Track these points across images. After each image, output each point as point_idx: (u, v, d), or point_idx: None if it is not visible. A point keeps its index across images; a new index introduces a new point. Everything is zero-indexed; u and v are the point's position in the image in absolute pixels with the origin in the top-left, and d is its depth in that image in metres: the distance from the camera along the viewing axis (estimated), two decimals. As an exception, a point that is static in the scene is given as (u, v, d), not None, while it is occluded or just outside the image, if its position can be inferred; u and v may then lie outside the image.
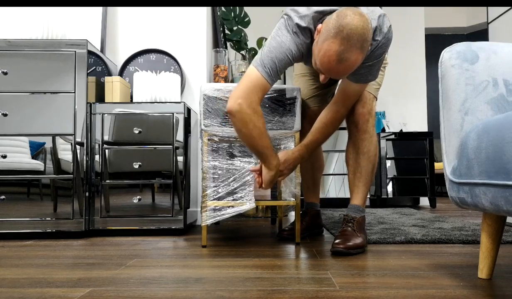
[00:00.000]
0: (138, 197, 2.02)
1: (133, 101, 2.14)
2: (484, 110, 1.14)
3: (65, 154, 1.97)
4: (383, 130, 3.90)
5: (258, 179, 1.59)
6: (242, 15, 3.03)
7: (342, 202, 3.65)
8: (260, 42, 2.82)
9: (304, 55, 1.50)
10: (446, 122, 1.19)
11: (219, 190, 1.67)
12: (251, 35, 3.06)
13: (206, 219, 1.64)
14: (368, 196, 3.40)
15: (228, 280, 1.16)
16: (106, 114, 2.04)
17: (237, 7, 3.01)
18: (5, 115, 1.96)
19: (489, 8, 3.55)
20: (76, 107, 1.98)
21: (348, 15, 1.27)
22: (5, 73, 1.97)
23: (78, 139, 1.98)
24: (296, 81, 1.93)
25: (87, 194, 1.99)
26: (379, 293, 1.03)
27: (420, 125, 4.16)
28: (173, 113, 2.04)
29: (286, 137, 1.74)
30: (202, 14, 2.50)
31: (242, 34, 3.02)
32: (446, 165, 1.18)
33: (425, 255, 1.51)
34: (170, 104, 2.06)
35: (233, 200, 1.67)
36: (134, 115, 2.04)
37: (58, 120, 1.97)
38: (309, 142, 1.62)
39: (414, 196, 3.88)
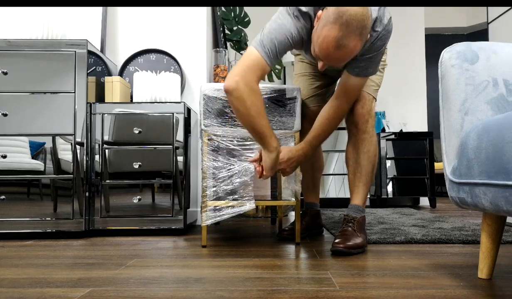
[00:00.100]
0: (138, 197, 2.02)
1: (133, 101, 2.14)
2: (484, 110, 1.14)
3: (65, 154, 1.97)
4: (383, 130, 3.91)
5: (259, 169, 1.55)
6: (242, 15, 3.04)
7: (342, 202, 3.66)
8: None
9: (304, 40, 1.48)
10: (446, 122, 1.19)
11: (219, 190, 1.67)
12: (251, 35, 3.06)
13: (206, 219, 1.64)
14: (368, 196, 3.40)
15: (228, 280, 1.16)
16: (106, 114, 2.04)
17: (237, 7, 3.01)
18: (5, 115, 1.96)
19: (489, 8, 3.55)
20: (76, 107, 1.98)
21: None
22: (5, 73, 1.97)
23: (78, 139, 1.98)
24: (296, 81, 1.93)
25: (87, 194, 1.99)
26: (379, 293, 1.03)
27: (420, 125, 4.16)
28: (173, 113, 2.04)
29: (286, 137, 1.73)
30: (202, 14, 2.50)
31: (242, 34, 3.03)
32: (446, 165, 1.18)
33: (425, 255, 1.51)
34: (170, 104, 2.06)
35: (233, 200, 1.66)
36: (134, 115, 2.04)
37: (58, 120, 1.97)
38: (312, 139, 1.61)
39: (414, 196, 3.88)
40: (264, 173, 1.54)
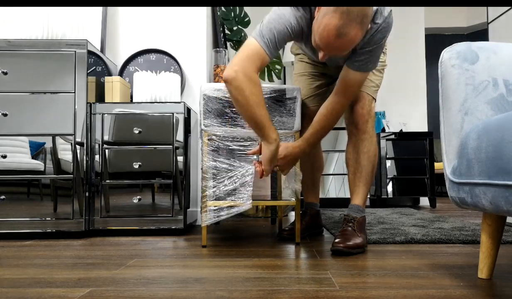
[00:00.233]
0: (138, 197, 2.02)
1: (133, 101, 2.14)
2: (484, 110, 1.14)
3: (65, 154, 1.97)
4: (383, 130, 3.91)
5: (259, 168, 1.54)
6: (242, 15, 3.04)
7: (342, 202, 3.66)
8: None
9: (304, 31, 1.47)
10: (446, 122, 1.19)
11: (219, 190, 1.67)
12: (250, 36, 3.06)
13: (206, 219, 1.64)
14: (368, 196, 3.40)
15: (228, 280, 1.16)
16: (106, 114, 2.04)
17: (237, 7, 3.01)
18: (5, 115, 1.96)
19: (489, 8, 3.55)
20: (76, 107, 1.98)
21: None
22: (5, 73, 1.97)
23: (78, 139, 1.98)
24: (295, 81, 1.93)
25: (87, 194, 1.99)
26: (379, 293, 1.03)
27: (420, 125, 4.16)
28: (173, 113, 2.04)
29: (286, 137, 1.73)
30: (202, 14, 2.50)
31: (242, 34, 3.03)
32: (446, 165, 1.18)
33: (425, 255, 1.51)
34: (170, 104, 2.06)
35: (233, 200, 1.66)
36: (134, 115, 2.04)
37: (58, 120, 1.97)
38: (309, 135, 1.60)
39: (414, 196, 3.88)
40: (262, 166, 1.52)
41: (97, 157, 2.03)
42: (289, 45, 1.81)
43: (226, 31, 3.01)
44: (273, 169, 1.56)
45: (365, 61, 1.48)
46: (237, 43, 2.99)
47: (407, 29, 4.16)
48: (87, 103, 1.99)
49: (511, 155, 0.89)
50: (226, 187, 1.67)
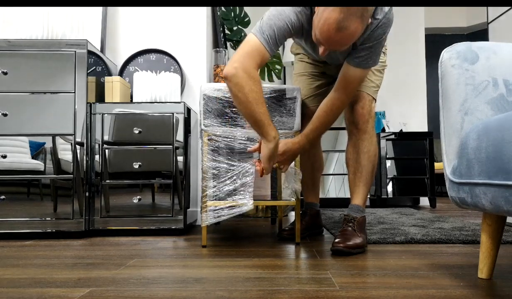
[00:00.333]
0: (138, 197, 2.02)
1: (133, 101, 2.14)
2: (484, 110, 1.14)
3: (65, 154, 1.97)
4: (383, 130, 3.91)
5: (259, 168, 1.54)
6: (242, 15, 3.04)
7: (342, 202, 3.65)
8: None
9: (304, 27, 1.47)
10: (446, 122, 1.19)
11: (219, 190, 1.67)
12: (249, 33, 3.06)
13: (206, 219, 1.64)
14: (368, 196, 3.40)
15: (228, 280, 1.16)
16: (106, 114, 2.04)
17: (237, 7, 3.02)
18: (5, 115, 1.96)
19: (489, 8, 3.55)
20: (76, 107, 1.98)
21: None
22: (5, 73, 1.97)
23: (78, 139, 1.98)
24: (295, 81, 1.93)
25: (87, 194, 1.99)
26: (379, 293, 1.03)
27: (420, 125, 4.16)
28: (173, 113, 2.04)
29: (286, 137, 1.73)
30: (202, 14, 2.50)
31: (242, 34, 3.03)
32: (446, 165, 1.18)
33: (425, 255, 1.51)
34: (170, 104, 2.06)
35: (233, 200, 1.66)
36: (134, 115, 2.04)
37: (58, 120, 1.97)
38: (309, 131, 1.60)
39: (414, 196, 3.88)
40: (262, 164, 1.52)
41: (97, 157, 2.03)
42: (289, 45, 1.81)
43: (226, 31, 3.01)
44: (273, 166, 1.56)
45: (365, 57, 1.48)
46: (237, 43, 3.00)
47: (407, 29, 4.15)
48: (87, 103, 1.99)
49: (511, 155, 0.89)
50: (226, 187, 1.67)
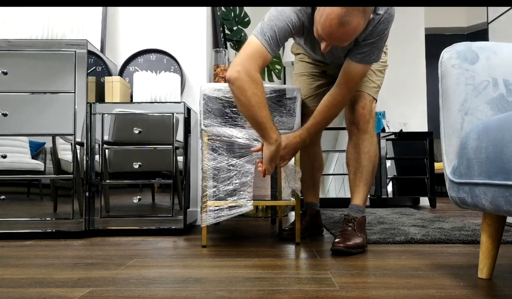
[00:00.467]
0: (138, 197, 2.02)
1: (133, 101, 2.14)
2: (484, 110, 1.14)
3: (65, 154, 1.97)
4: (383, 130, 3.91)
5: (261, 169, 1.54)
6: (242, 15, 3.04)
7: (342, 202, 3.65)
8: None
9: (305, 26, 1.47)
10: (446, 122, 1.19)
11: (219, 190, 1.67)
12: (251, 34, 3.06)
13: (206, 219, 1.64)
14: (368, 196, 3.40)
15: (228, 280, 1.16)
16: (106, 114, 2.04)
17: (237, 7, 3.01)
18: (5, 115, 1.96)
19: (489, 8, 3.55)
20: (76, 107, 1.98)
21: None
22: (5, 73, 1.97)
23: (78, 139, 1.98)
24: (295, 81, 1.93)
25: (87, 194, 1.99)
26: (379, 293, 1.03)
27: (420, 125, 4.16)
28: (173, 113, 2.04)
29: (286, 137, 1.73)
30: (202, 14, 2.50)
31: (242, 34, 3.03)
32: (446, 165, 1.18)
33: (425, 255, 1.51)
34: (170, 104, 2.06)
35: (233, 200, 1.66)
36: (134, 115, 2.04)
37: (58, 120, 1.97)
38: (310, 126, 1.60)
39: (414, 196, 3.88)
40: (263, 166, 1.53)
41: (97, 157, 2.03)
42: (289, 45, 1.81)
43: (226, 31, 3.01)
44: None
45: (367, 53, 1.48)
46: (237, 43, 3.00)
47: (407, 29, 4.15)
48: (87, 103, 1.99)
49: (511, 155, 0.89)
50: (226, 187, 1.67)
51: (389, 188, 3.80)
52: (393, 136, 3.83)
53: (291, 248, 1.65)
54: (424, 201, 4.11)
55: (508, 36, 3.26)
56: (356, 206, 1.67)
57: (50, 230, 1.95)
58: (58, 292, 1.06)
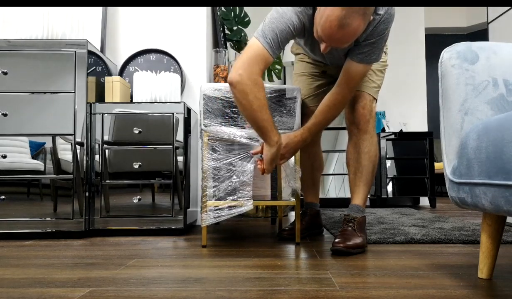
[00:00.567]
0: (138, 197, 2.02)
1: (133, 101, 2.14)
2: (484, 110, 1.14)
3: (65, 154, 1.97)
4: (383, 130, 3.91)
5: (260, 167, 1.55)
6: (242, 15, 3.04)
7: (342, 202, 3.66)
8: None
9: (306, 27, 1.47)
10: (446, 122, 1.19)
11: (219, 190, 1.67)
12: (251, 35, 3.06)
13: (206, 219, 1.64)
14: (368, 196, 3.40)
15: (228, 280, 1.16)
16: (106, 114, 2.04)
17: (237, 7, 3.01)
18: (5, 115, 1.96)
19: (489, 8, 3.55)
20: (76, 107, 1.98)
21: None
22: (5, 73, 1.97)
23: (78, 139, 1.98)
24: (295, 81, 1.93)
25: (87, 194, 1.99)
26: (379, 293, 1.03)
27: (420, 125, 4.16)
28: (173, 113, 2.04)
29: (286, 137, 1.73)
30: (202, 14, 2.50)
31: (242, 34, 3.03)
32: (446, 165, 1.18)
33: (425, 255, 1.51)
34: (170, 104, 2.06)
35: (233, 200, 1.66)
36: (134, 115, 2.04)
37: (58, 120, 1.97)
38: (311, 125, 1.60)
39: (414, 196, 3.88)
40: (264, 166, 1.54)
41: (97, 157, 2.03)
42: (289, 45, 1.81)
43: (226, 31, 3.01)
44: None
45: (368, 53, 1.48)
46: (237, 43, 2.99)
47: (407, 29, 4.16)
48: (87, 103, 1.99)
49: (511, 155, 0.89)
50: (226, 187, 1.67)
51: (389, 188, 3.80)
52: (393, 136, 3.83)
53: (291, 248, 1.65)
54: (424, 201, 4.11)
55: (508, 36, 3.26)
56: (356, 206, 1.67)
57: (50, 230, 1.95)
58: (58, 292, 1.06)
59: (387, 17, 1.42)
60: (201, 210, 1.68)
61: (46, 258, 1.50)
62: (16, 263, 1.41)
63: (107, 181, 2.03)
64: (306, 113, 1.84)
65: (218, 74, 2.37)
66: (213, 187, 1.67)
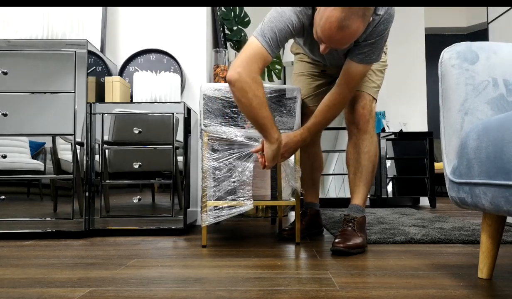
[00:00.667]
0: (138, 197, 2.02)
1: (133, 101, 2.14)
2: (484, 110, 1.14)
3: (65, 154, 1.97)
4: (383, 130, 3.91)
5: (261, 160, 1.55)
6: (242, 15, 3.04)
7: (342, 202, 3.66)
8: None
9: (305, 27, 1.47)
10: (446, 122, 1.19)
11: (219, 190, 1.67)
12: (251, 35, 3.06)
13: (206, 219, 1.64)
14: (368, 196, 3.40)
15: (228, 280, 1.16)
16: (106, 114, 2.04)
17: (237, 7, 3.01)
18: (5, 115, 1.96)
19: (489, 8, 3.55)
20: (76, 107, 1.98)
21: None
22: (5, 73, 1.97)
23: (78, 139, 1.98)
24: (295, 81, 1.93)
25: (87, 194, 1.99)
26: (379, 293, 1.03)
27: (420, 125, 4.16)
28: (173, 113, 2.05)
29: (286, 137, 1.73)
30: (202, 14, 2.50)
31: (242, 34, 3.03)
32: (446, 165, 1.18)
33: (425, 255, 1.51)
34: (170, 104, 2.06)
35: (233, 200, 1.66)
36: (134, 115, 2.04)
37: (58, 120, 1.97)
38: (311, 125, 1.61)
39: (414, 196, 3.88)
40: (266, 164, 1.54)
41: (97, 157, 2.03)
42: (289, 45, 1.81)
43: (226, 31, 3.01)
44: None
45: (368, 53, 1.48)
46: (237, 43, 2.99)
47: (407, 29, 4.15)
48: (87, 103, 1.99)
49: (511, 155, 0.89)
50: (226, 187, 1.67)
51: (389, 188, 3.80)
52: (393, 136, 3.83)
53: (291, 248, 1.65)
54: (424, 201, 4.11)
55: (508, 36, 3.26)
56: (356, 206, 1.67)
57: (50, 230, 1.95)
58: (58, 292, 1.06)
59: (387, 17, 1.42)
60: (201, 210, 1.68)
61: (46, 258, 1.50)
62: (16, 263, 1.41)
63: (107, 181, 2.03)
64: (306, 113, 1.84)
65: (218, 74, 2.37)
66: (213, 187, 1.67)
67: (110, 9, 2.49)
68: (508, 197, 0.90)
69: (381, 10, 1.40)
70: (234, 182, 1.67)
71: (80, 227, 1.95)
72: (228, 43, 3.01)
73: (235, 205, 1.65)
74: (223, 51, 2.40)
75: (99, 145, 2.03)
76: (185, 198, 2.06)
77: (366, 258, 1.47)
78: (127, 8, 2.51)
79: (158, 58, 2.43)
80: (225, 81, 2.37)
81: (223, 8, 2.97)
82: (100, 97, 2.17)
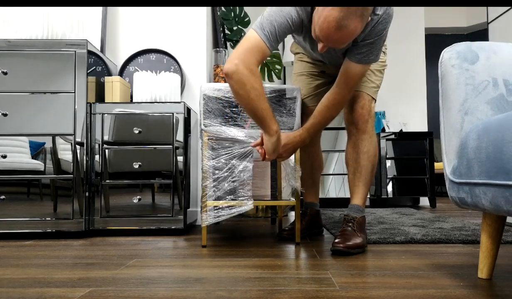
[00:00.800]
0: (138, 197, 2.02)
1: (133, 101, 2.14)
2: (484, 110, 1.14)
3: (65, 154, 1.97)
4: (383, 130, 3.91)
5: (261, 151, 1.54)
6: (242, 15, 3.04)
7: (342, 202, 3.65)
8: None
9: (304, 23, 1.47)
10: (446, 122, 1.19)
11: (219, 190, 1.67)
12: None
13: (206, 219, 1.64)
14: (368, 196, 3.40)
15: (228, 280, 1.16)
16: (106, 114, 2.04)
17: (237, 7, 3.01)
18: (5, 115, 1.96)
19: (489, 8, 3.55)
20: (76, 107, 1.98)
21: None
22: (5, 73, 1.97)
23: (78, 139, 1.98)
24: (295, 81, 1.93)
25: (87, 194, 1.99)
26: (379, 293, 1.03)
27: (420, 125, 4.16)
28: (173, 113, 2.05)
29: (286, 137, 1.73)
30: (202, 14, 2.50)
31: (242, 34, 3.03)
32: (446, 165, 1.18)
33: (425, 255, 1.51)
34: (170, 104, 2.06)
35: (233, 200, 1.66)
36: (134, 115, 2.04)
37: (58, 120, 1.97)
38: (310, 126, 1.60)
39: (414, 196, 3.88)
40: (266, 156, 1.53)
41: (97, 157, 2.03)
42: (289, 44, 1.81)
43: (226, 31, 3.01)
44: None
45: (366, 53, 1.48)
46: (237, 43, 2.99)
47: (407, 29, 4.15)
48: (87, 103, 1.99)
49: (511, 155, 0.89)
50: (226, 187, 1.67)
51: (389, 188, 3.80)
52: (393, 136, 3.83)
53: (291, 248, 1.65)
54: (424, 201, 4.11)
55: (508, 36, 3.26)
56: (355, 206, 1.67)
57: (50, 230, 1.95)
58: (58, 292, 1.06)
59: (385, 17, 1.42)
60: (201, 210, 1.68)
61: (46, 258, 1.50)
62: (16, 263, 1.41)
63: (107, 181, 2.03)
64: (305, 113, 1.84)
65: (218, 74, 2.37)
66: (213, 187, 1.67)
67: (110, 9, 2.49)
68: (508, 197, 0.90)
69: (380, 10, 1.40)
70: (234, 182, 1.67)
71: (80, 227, 1.95)
72: (228, 43, 3.01)
73: (235, 205, 1.65)
74: (223, 51, 2.40)
75: (99, 145, 2.03)
76: (185, 198, 2.06)
77: (366, 258, 1.47)
78: (127, 8, 2.51)
79: (158, 58, 2.43)
80: (225, 81, 2.37)
81: (223, 8, 2.97)
82: (100, 97, 2.17)
